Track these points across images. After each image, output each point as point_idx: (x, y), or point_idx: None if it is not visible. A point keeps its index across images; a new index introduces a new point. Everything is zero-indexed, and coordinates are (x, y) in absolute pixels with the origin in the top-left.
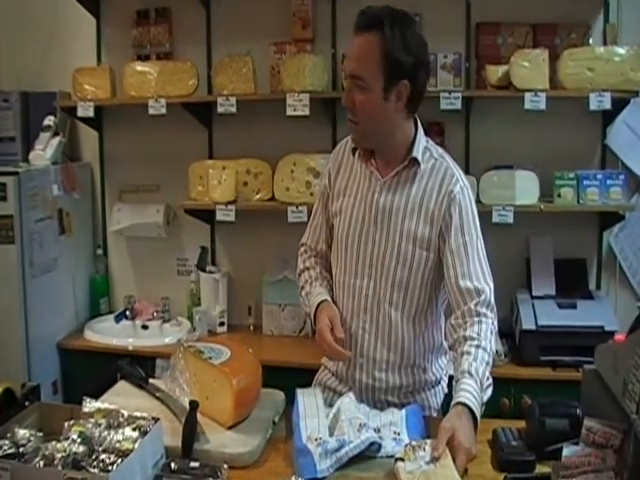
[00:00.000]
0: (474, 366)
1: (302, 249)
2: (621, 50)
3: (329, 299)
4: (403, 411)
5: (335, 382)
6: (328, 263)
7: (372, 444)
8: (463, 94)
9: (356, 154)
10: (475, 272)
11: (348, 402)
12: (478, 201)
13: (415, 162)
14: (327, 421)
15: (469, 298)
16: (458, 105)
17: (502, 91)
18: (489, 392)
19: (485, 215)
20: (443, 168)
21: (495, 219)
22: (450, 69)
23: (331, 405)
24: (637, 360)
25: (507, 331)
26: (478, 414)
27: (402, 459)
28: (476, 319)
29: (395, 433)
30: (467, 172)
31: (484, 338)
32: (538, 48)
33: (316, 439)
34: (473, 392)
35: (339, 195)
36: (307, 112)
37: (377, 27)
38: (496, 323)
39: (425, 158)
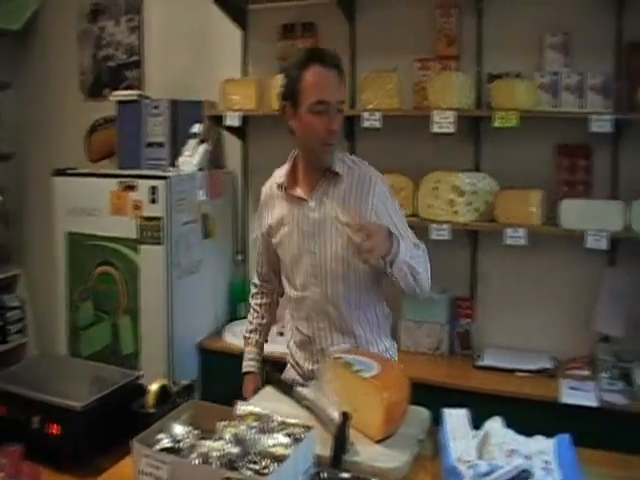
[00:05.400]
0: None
1: (255, 279)
2: None
3: (255, 370)
4: (553, 440)
5: (302, 380)
6: (271, 285)
7: (523, 471)
8: (615, 117)
9: (282, 188)
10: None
11: (497, 427)
12: (627, 228)
13: (335, 174)
14: (475, 443)
15: None
16: (609, 128)
17: None
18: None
19: (633, 242)
20: (357, 172)
21: None
22: (599, 90)
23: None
24: None
25: None
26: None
27: None
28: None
29: (545, 462)
30: (615, 197)
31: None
32: None
33: (466, 461)
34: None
35: (277, 229)
36: (453, 130)
37: (338, 67)
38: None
39: (341, 167)
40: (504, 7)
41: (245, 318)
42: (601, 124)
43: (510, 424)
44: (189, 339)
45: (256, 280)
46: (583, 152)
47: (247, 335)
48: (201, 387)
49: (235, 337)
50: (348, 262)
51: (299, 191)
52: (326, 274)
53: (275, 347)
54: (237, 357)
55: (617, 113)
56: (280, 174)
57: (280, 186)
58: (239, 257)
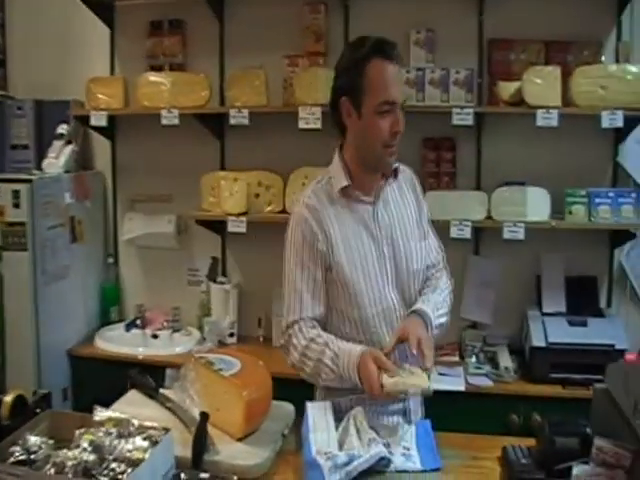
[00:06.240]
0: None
1: (296, 327)
2: (634, 68)
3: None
4: (413, 427)
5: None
6: (322, 321)
7: (382, 459)
8: (475, 110)
9: (345, 193)
10: (436, 245)
11: (358, 417)
12: (489, 217)
13: (394, 172)
14: (336, 435)
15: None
16: (470, 121)
17: (514, 107)
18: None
19: (496, 231)
20: (400, 168)
21: (506, 235)
22: (462, 85)
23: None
24: None
25: (517, 347)
26: (429, 320)
27: None
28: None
29: (405, 448)
30: (478, 188)
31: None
32: (550, 65)
33: (325, 453)
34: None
35: (341, 244)
36: (319, 125)
37: (400, 61)
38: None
39: None
40: (370, 4)
41: (118, 322)
42: (463, 117)
43: None
44: (59, 346)
45: (303, 326)
46: (448, 145)
47: (333, 352)
48: (73, 394)
49: (106, 342)
50: (420, 260)
51: (359, 194)
52: (407, 276)
53: (150, 351)
54: (109, 362)
55: (478, 106)
56: (330, 179)
57: (344, 190)
58: (110, 260)
